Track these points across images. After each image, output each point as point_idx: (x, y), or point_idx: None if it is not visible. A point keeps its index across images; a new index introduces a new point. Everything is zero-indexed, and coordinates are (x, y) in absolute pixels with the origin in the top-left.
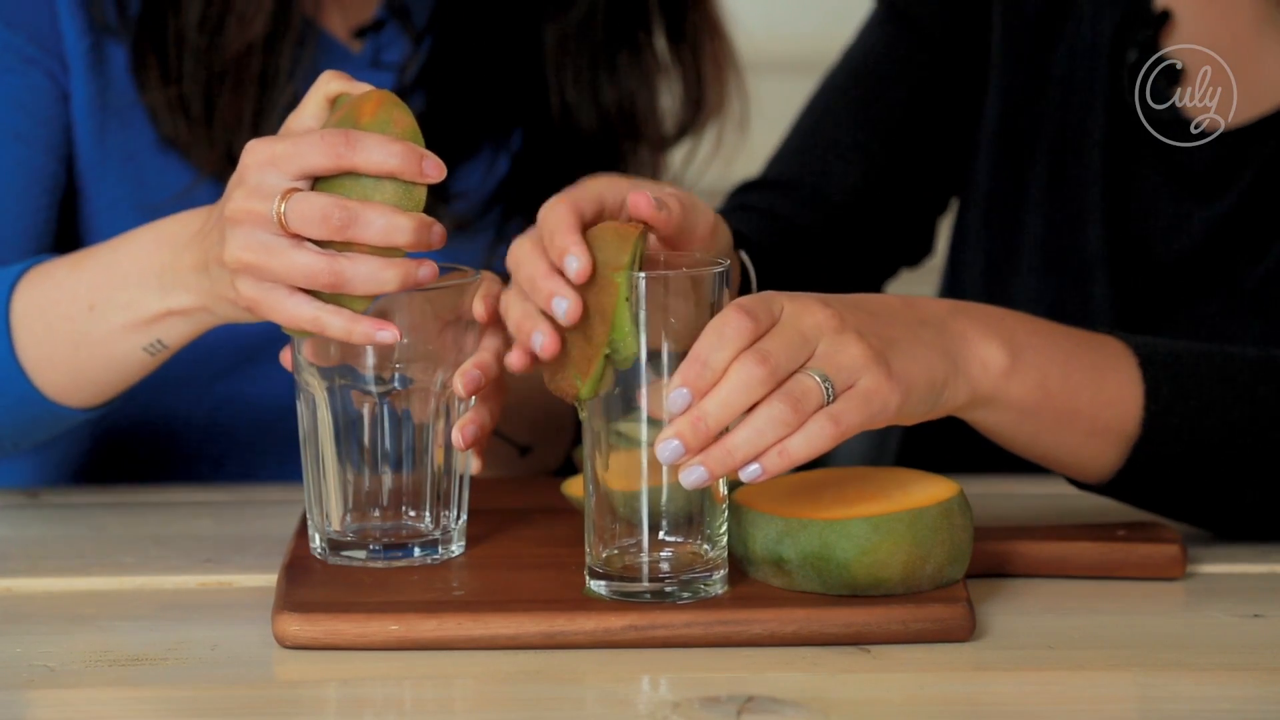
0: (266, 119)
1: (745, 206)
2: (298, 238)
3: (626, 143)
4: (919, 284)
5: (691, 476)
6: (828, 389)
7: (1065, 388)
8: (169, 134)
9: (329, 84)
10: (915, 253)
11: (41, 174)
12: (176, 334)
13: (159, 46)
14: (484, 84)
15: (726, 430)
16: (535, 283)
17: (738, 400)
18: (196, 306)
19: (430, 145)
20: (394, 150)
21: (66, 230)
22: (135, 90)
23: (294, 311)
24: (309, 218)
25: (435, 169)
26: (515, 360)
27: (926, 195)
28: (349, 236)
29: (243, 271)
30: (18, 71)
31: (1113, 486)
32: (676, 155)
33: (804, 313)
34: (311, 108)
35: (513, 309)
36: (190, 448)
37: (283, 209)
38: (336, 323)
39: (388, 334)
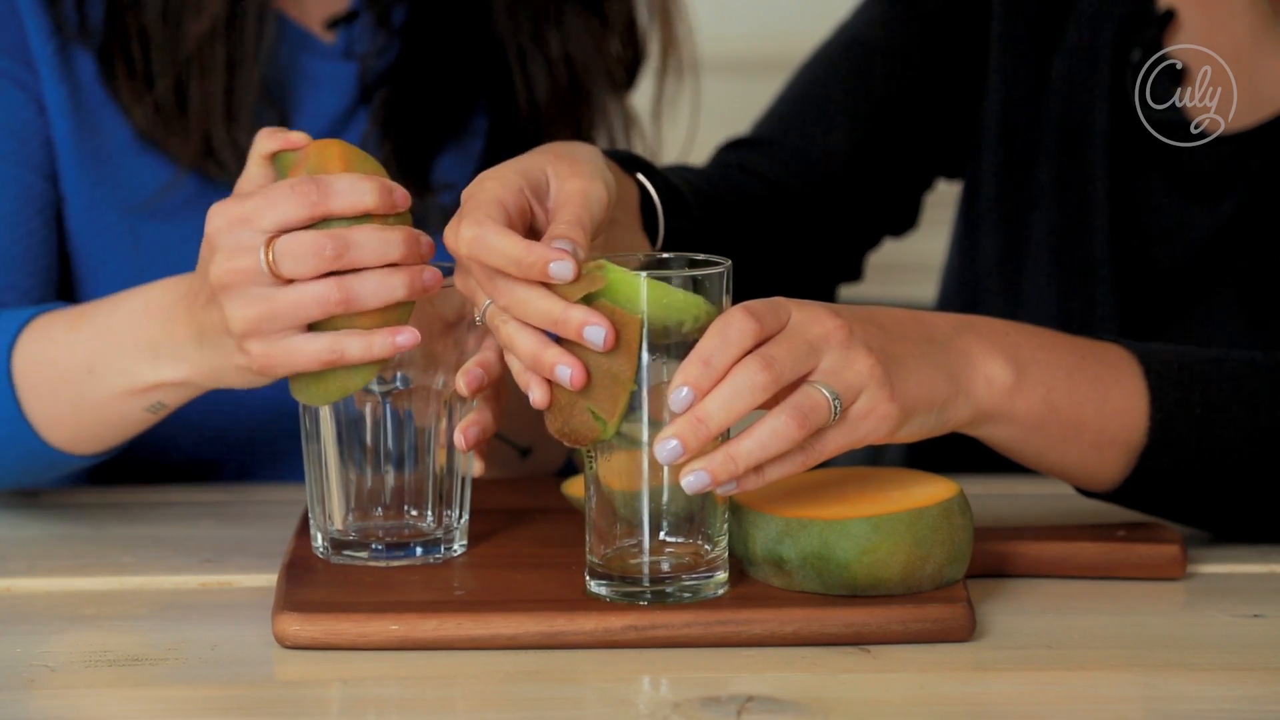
0: (237, 104)
1: (727, 164)
2: (292, 281)
3: (582, 106)
4: (920, 284)
5: (693, 481)
6: (836, 406)
7: (1070, 401)
8: (144, 129)
9: (265, 143)
10: (898, 225)
11: (31, 192)
12: (176, 397)
13: (123, 47)
14: (453, 68)
15: (728, 435)
16: (555, 318)
17: (739, 403)
18: (192, 376)
19: (408, 135)
20: (367, 188)
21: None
22: (104, 93)
23: (309, 348)
24: (300, 255)
25: (404, 199)
26: (539, 397)
27: (912, 171)
28: (345, 263)
29: (251, 334)
30: None
31: (1120, 494)
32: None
33: (812, 322)
34: (254, 169)
35: (521, 340)
36: (185, 452)
37: (271, 256)
38: (354, 344)
39: (407, 336)
